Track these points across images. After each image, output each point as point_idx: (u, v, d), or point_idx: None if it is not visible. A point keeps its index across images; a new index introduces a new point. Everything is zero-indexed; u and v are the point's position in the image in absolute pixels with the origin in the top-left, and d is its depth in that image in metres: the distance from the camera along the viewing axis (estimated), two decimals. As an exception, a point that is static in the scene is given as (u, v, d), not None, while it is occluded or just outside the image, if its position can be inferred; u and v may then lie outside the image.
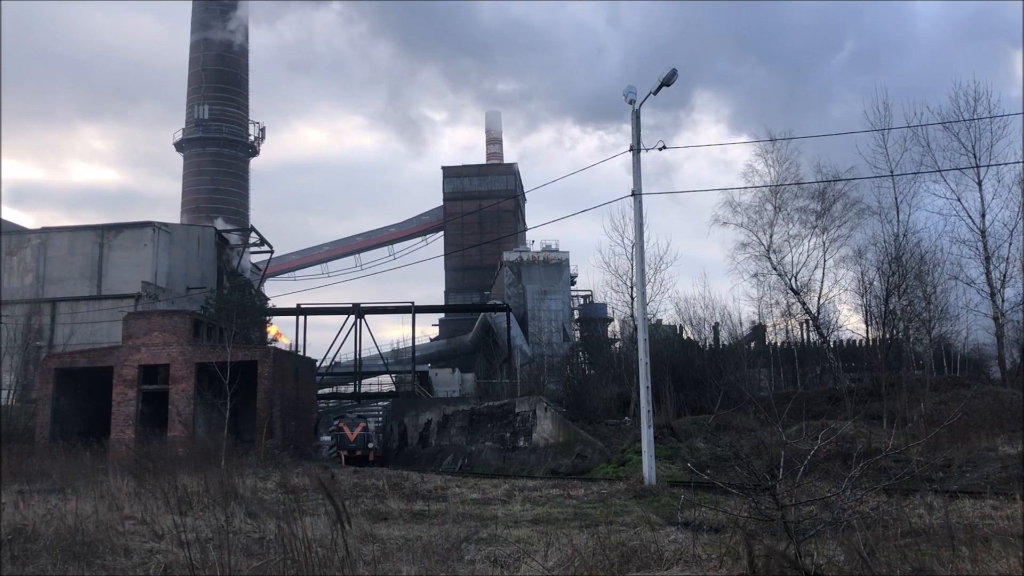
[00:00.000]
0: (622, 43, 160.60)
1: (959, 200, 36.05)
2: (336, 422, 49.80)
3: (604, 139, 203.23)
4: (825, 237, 37.98)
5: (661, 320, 47.75)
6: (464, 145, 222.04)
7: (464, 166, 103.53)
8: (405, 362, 63.38)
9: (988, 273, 35.23)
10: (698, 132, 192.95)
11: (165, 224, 54.96)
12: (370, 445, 45.91)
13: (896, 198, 36.47)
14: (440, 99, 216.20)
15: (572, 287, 77.72)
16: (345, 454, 44.72)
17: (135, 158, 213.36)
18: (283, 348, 55.84)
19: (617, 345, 55.87)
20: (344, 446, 45.40)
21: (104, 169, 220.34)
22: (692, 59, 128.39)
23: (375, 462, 43.26)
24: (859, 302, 38.64)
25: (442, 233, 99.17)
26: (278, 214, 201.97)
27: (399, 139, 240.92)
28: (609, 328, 66.04)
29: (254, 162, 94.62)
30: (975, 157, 34.72)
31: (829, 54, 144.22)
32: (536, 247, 76.20)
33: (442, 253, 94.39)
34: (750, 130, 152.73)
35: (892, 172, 35.80)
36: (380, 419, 55.57)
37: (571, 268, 76.41)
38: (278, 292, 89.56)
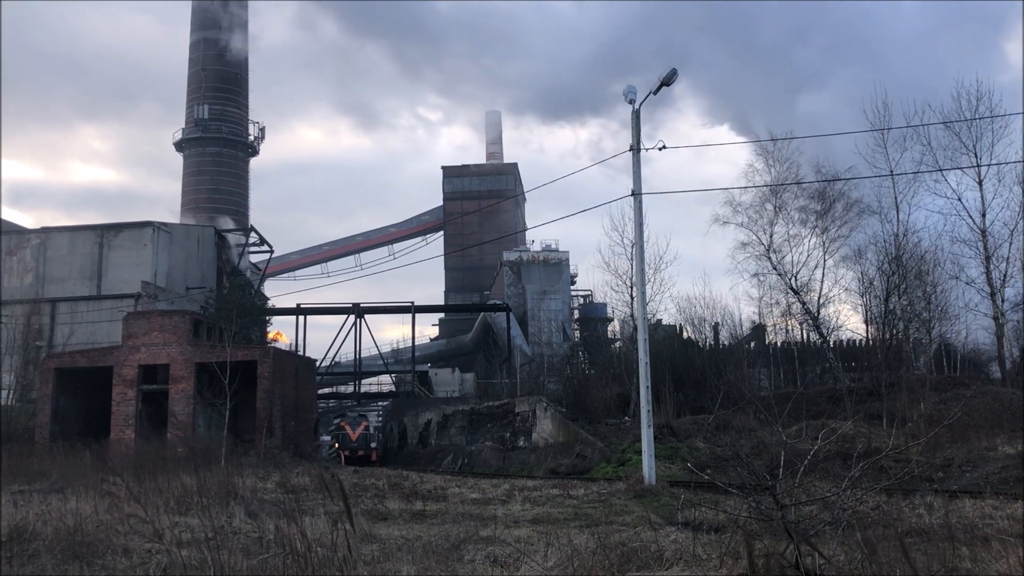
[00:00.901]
0: (589, 31, 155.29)
1: (959, 200, 36.09)
2: (337, 421, 49.11)
3: (578, 133, 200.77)
4: (825, 237, 38.04)
5: (661, 320, 47.77)
6: (459, 144, 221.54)
7: (464, 166, 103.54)
8: (405, 362, 63.37)
9: (988, 273, 35.24)
10: (679, 121, 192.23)
11: (165, 224, 54.97)
12: (372, 445, 45.23)
13: (896, 198, 36.51)
14: (391, 87, 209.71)
15: (572, 287, 77.73)
16: (347, 453, 44.04)
17: (134, 158, 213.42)
18: (283, 348, 55.84)
19: (617, 345, 55.88)
20: (346, 445, 44.73)
21: (103, 169, 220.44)
22: (663, 46, 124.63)
23: (377, 462, 42.72)
24: (859, 302, 38.69)
25: (442, 233, 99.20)
26: (278, 214, 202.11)
27: (357, 127, 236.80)
28: (609, 328, 66.08)
29: (254, 162, 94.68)
30: (976, 156, 34.73)
31: (803, 39, 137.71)
32: (536, 247, 76.22)
33: (442, 253, 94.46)
34: (730, 118, 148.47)
35: (892, 172, 35.83)
36: (380, 419, 55.51)
37: (571, 268, 76.47)
38: (278, 292, 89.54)
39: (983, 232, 35.49)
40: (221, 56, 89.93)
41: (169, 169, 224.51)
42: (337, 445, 45.44)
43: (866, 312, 37.75)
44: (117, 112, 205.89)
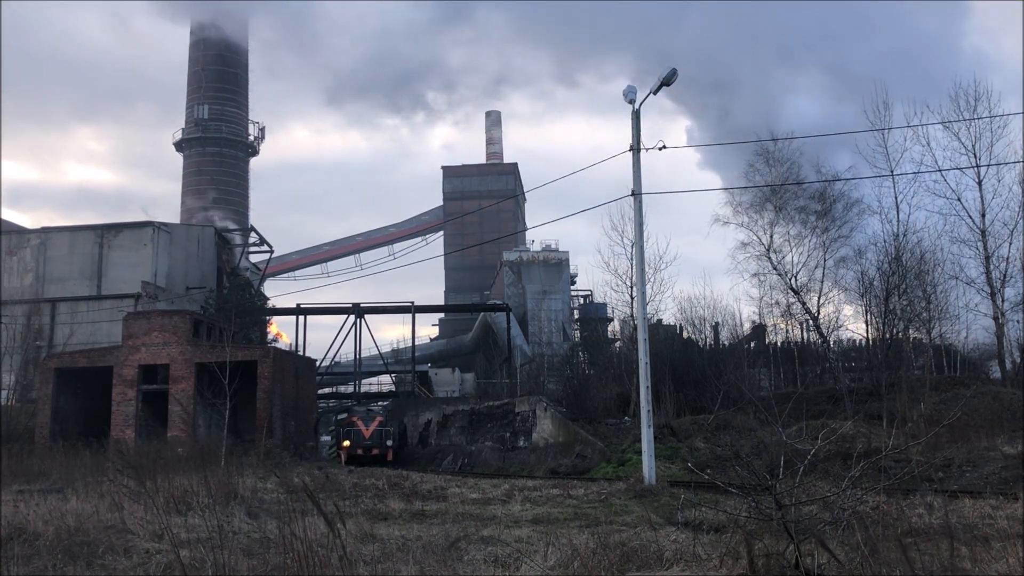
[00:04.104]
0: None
1: (959, 200, 36.05)
2: (342, 416, 46.62)
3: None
4: (825, 237, 38.01)
5: (661, 320, 47.78)
6: (446, 143, 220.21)
7: (464, 166, 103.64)
8: (405, 362, 63.38)
9: (988, 273, 35.20)
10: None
11: (165, 224, 54.99)
12: (388, 443, 41.64)
13: (896, 198, 36.52)
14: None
15: (572, 287, 77.79)
16: (360, 452, 40.38)
17: (131, 159, 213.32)
18: (283, 348, 55.87)
19: (617, 345, 55.92)
20: (359, 443, 40.93)
21: (100, 170, 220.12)
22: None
23: (392, 462, 39.68)
24: (859, 302, 38.68)
25: (442, 233, 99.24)
26: (278, 215, 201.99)
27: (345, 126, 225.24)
28: (609, 328, 66.09)
29: (254, 162, 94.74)
30: (975, 156, 34.70)
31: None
32: (536, 247, 76.24)
33: (442, 253, 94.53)
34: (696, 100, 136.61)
35: (892, 172, 35.85)
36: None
37: (571, 268, 76.50)
38: (278, 292, 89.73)
39: (983, 232, 35.44)
40: (221, 56, 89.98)
41: (166, 170, 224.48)
42: (348, 443, 41.47)
43: (866, 312, 37.78)
44: (113, 113, 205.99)
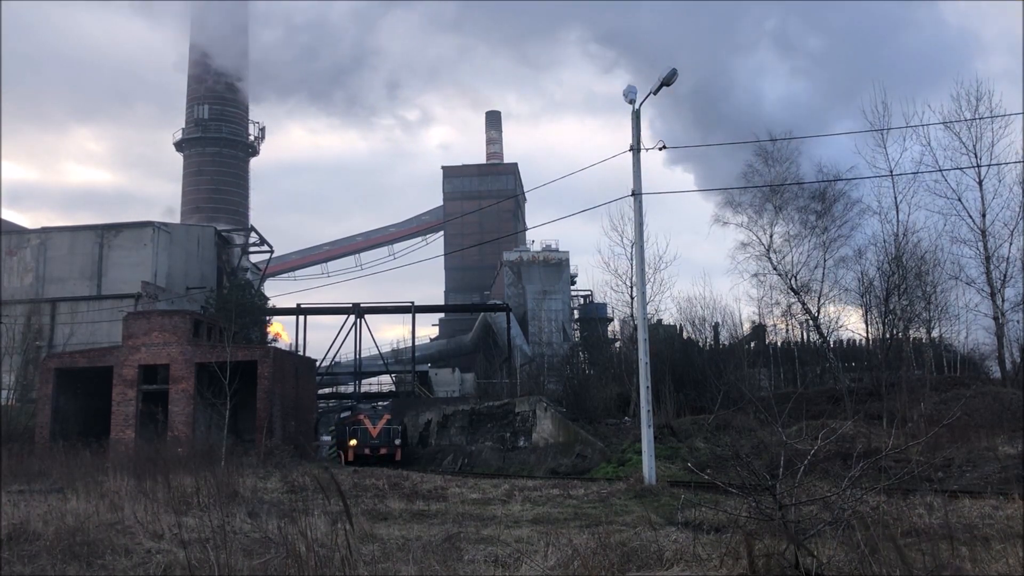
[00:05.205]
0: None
1: (959, 200, 36.03)
2: (346, 415, 45.34)
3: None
4: (825, 237, 38.01)
5: (661, 320, 47.78)
6: (442, 143, 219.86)
7: (464, 166, 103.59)
8: (405, 362, 63.36)
9: (988, 273, 35.20)
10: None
11: (165, 224, 55.00)
12: (396, 442, 39.50)
13: (896, 198, 36.51)
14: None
15: (572, 287, 77.76)
16: (367, 452, 38.58)
17: (130, 160, 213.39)
18: (283, 348, 55.86)
19: (617, 345, 55.94)
20: (366, 442, 39.15)
21: (99, 171, 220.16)
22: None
23: (401, 462, 38.11)
24: (859, 302, 38.68)
25: (442, 233, 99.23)
26: (278, 215, 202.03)
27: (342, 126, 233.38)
28: (609, 328, 66.08)
29: (254, 162, 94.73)
30: (976, 156, 34.69)
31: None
32: (536, 247, 76.24)
33: (442, 253, 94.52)
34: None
35: (892, 172, 35.84)
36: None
37: (571, 268, 76.50)
38: (278, 292, 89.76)
39: (983, 232, 35.42)
40: (220, 57, 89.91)
41: (165, 170, 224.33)
42: (355, 442, 39.51)
43: (866, 312, 37.77)
44: (112, 114, 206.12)
